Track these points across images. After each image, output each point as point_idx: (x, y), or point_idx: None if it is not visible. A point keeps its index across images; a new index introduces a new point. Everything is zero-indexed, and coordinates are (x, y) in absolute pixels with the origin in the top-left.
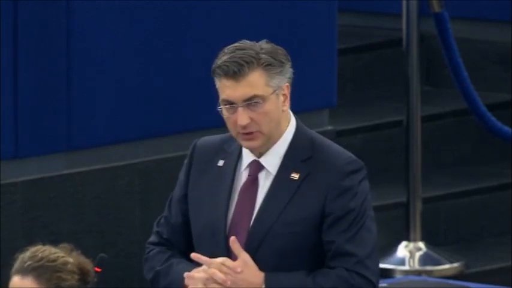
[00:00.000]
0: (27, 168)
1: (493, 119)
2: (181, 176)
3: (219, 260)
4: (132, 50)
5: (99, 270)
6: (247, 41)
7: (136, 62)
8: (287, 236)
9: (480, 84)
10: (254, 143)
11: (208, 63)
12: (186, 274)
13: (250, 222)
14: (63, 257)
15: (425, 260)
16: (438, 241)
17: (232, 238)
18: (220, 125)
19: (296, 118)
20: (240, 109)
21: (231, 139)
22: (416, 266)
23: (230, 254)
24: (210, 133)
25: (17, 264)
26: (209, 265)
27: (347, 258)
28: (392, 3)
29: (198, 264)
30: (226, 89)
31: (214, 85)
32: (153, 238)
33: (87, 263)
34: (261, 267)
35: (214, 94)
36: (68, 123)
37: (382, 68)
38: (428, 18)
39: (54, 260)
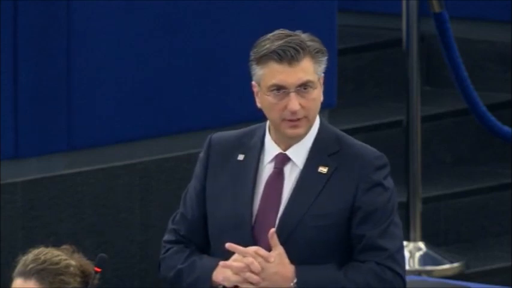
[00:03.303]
0: (27, 168)
1: (493, 119)
2: (198, 170)
3: (253, 248)
4: (132, 50)
5: (99, 270)
6: (286, 30)
7: (136, 62)
8: (316, 229)
9: (480, 84)
10: (300, 130)
11: (208, 63)
12: (222, 263)
13: (277, 214)
14: (65, 259)
15: (425, 260)
16: (438, 241)
17: (272, 230)
18: (221, 125)
19: (320, 114)
20: (292, 94)
21: (250, 133)
22: (416, 266)
23: (257, 245)
24: (210, 134)
25: (19, 267)
26: (243, 254)
27: (378, 252)
28: (392, 3)
29: (221, 257)
30: (278, 74)
31: (214, 86)
32: (169, 236)
33: (89, 265)
34: (289, 259)
35: (214, 95)
36: (68, 123)
37: (382, 68)
38: (428, 18)
39: (57, 263)
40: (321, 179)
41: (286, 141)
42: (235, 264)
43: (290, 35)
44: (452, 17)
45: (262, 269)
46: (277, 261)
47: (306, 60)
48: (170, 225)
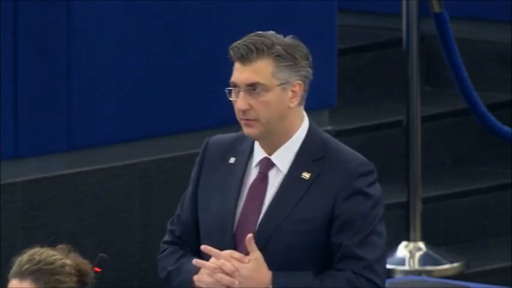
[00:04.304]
0: (27, 168)
1: (493, 119)
2: (193, 173)
3: (228, 252)
4: (132, 50)
5: (99, 270)
6: (273, 32)
7: (136, 62)
8: (295, 235)
9: (480, 84)
10: (252, 130)
11: (208, 63)
12: (195, 261)
13: (258, 219)
14: (60, 259)
15: (425, 260)
16: (438, 241)
17: (249, 236)
18: (221, 125)
19: (309, 118)
20: (241, 93)
21: (243, 137)
22: (416, 266)
23: (237, 249)
24: (210, 133)
25: (14, 267)
26: (218, 256)
27: (356, 261)
28: (393, 3)
29: (208, 259)
30: (235, 71)
31: (214, 86)
32: (166, 237)
33: (85, 264)
34: (268, 265)
35: (214, 94)
36: (68, 123)
37: (382, 68)
38: (428, 18)
39: (51, 263)
40: (303, 184)
41: (269, 145)
42: (207, 263)
43: (259, 35)
44: (452, 17)
45: (237, 271)
46: (253, 266)
47: (263, 61)
48: (168, 226)
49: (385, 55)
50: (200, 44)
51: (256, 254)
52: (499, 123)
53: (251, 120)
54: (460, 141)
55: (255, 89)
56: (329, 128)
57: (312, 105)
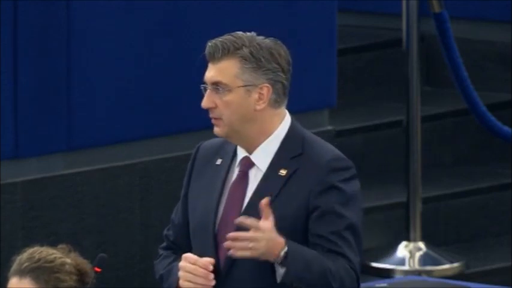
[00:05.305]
0: (27, 168)
1: (493, 119)
2: (185, 178)
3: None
4: (132, 50)
5: (99, 270)
6: (253, 33)
7: (136, 62)
8: None
9: (480, 84)
10: (217, 129)
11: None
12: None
13: (238, 217)
14: (60, 257)
15: (425, 260)
16: (438, 241)
17: (265, 200)
18: None
19: (292, 118)
20: (207, 91)
21: None
22: (416, 266)
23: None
24: (210, 133)
25: (14, 266)
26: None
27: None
28: (392, 3)
29: None
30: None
31: None
32: (163, 242)
33: (85, 264)
34: (247, 261)
35: None
36: (68, 123)
37: (382, 68)
38: (428, 18)
39: (51, 261)
40: (279, 181)
41: (245, 145)
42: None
43: (232, 36)
44: (452, 17)
45: (262, 232)
46: (271, 227)
47: (229, 62)
48: (164, 232)
49: (385, 55)
50: (200, 44)
51: (269, 221)
52: (499, 123)
53: (216, 118)
54: (460, 141)
55: (218, 88)
56: (329, 128)
57: (312, 105)
